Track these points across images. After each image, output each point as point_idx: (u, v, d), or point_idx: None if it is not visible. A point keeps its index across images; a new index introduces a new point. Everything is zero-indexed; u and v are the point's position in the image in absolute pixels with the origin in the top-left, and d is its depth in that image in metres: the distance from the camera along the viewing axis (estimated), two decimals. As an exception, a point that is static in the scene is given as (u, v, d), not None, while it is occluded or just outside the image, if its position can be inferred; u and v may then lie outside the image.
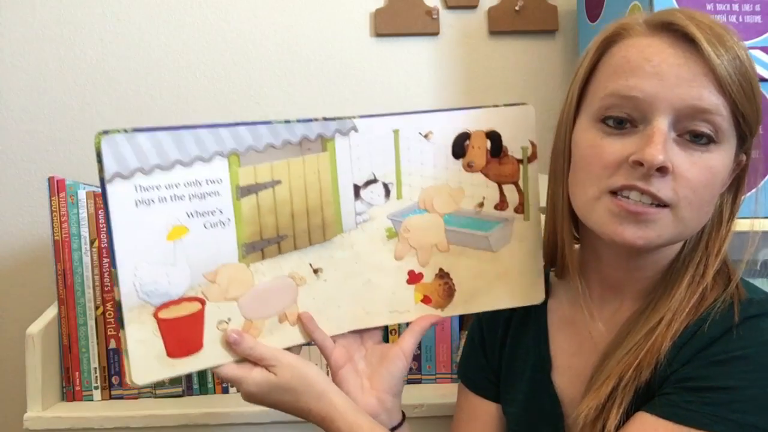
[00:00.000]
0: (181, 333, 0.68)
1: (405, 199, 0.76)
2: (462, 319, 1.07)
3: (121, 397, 1.03)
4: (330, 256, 0.74)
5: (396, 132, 0.75)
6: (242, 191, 0.70)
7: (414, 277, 0.77)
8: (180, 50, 1.34)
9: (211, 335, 0.69)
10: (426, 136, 0.75)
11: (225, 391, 1.04)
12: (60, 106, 1.33)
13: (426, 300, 0.77)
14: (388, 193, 0.76)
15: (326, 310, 0.74)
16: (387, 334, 1.04)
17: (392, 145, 0.75)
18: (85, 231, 1.00)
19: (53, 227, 1.01)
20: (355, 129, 0.74)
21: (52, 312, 1.02)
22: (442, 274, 0.77)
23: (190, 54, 1.34)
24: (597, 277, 0.72)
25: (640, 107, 0.60)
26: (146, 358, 0.66)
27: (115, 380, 1.03)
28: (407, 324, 0.78)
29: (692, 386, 0.58)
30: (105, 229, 1.00)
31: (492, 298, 0.78)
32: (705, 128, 0.59)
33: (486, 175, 0.77)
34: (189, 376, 1.03)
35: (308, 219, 0.73)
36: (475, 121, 0.76)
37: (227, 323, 0.70)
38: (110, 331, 1.02)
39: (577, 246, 0.74)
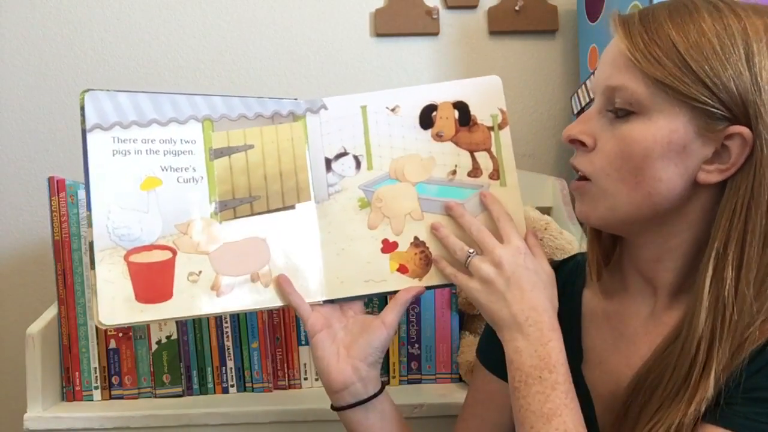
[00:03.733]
0: (150, 278, 0.70)
1: (376, 169, 0.78)
2: (462, 318, 1.07)
3: (121, 397, 1.03)
4: (303, 225, 0.76)
5: (364, 108, 0.78)
6: (215, 153, 0.75)
7: (388, 246, 0.77)
8: (180, 50, 1.34)
9: (181, 285, 0.71)
10: (393, 110, 0.78)
11: (225, 391, 1.04)
12: (60, 106, 1.33)
13: (402, 269, 0.77)
14: (358, 164, 0.78)
15: (299, 277, 0.75)
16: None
17: (361, 120, 0.78)
18: (85, 231, 1.00)
19: (53, 227, 1.01)
20: (324, 107, 0.78)
21: (52, 312, 1.02)
22: (418, 243, 0.77)
23: (190, 54, 1.34)
24: (632, 272, 0.71)
25: (594, 94, 0.67)
26: (115, 299, 0.69)
27: (115, 380, 1.03)
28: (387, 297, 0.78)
29: (761, 397, 0.56)
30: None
31: None
32: (619, 104, 0.62)
33: (457, 144, 0.78)
34: (189, 376, 1.03)
35: (281, 182, 0.77)
36: (441, 94, 0.79)
37: (198, 276, 0.72)
38: (110, 331, 1.02)
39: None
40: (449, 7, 1.35)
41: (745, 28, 0.58)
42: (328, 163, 0.78)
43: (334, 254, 0.77)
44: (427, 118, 0.78)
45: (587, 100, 1.21)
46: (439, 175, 0.78)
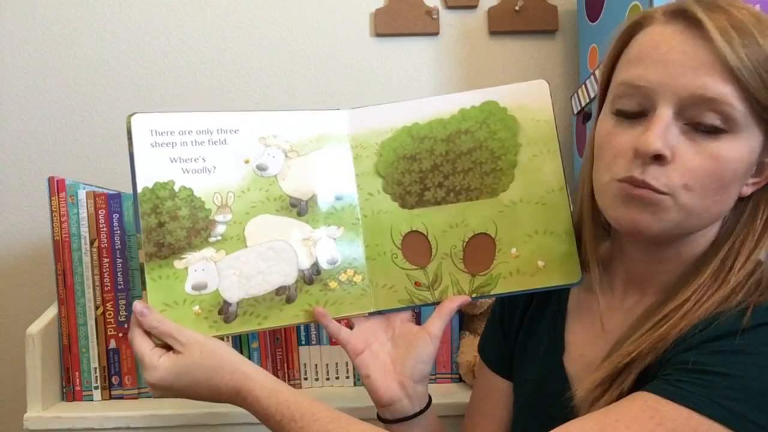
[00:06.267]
0: None
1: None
2: (462, 318, 1.07)
3: (121, 397, 1.03)
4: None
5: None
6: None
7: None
8: (180, 50, 1.34)
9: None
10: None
11: (225, 391, 1.04)
12: (60, 106, 1.33)
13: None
14: None
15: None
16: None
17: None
18: (85, 231, 1.00)
19: (53, 227, 1.01)
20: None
21: (52, 312, 1.02)
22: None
23: (190, 54, 1.34)
24: (622, 270, 0.71)
25: (647, 96, 0.60)
26: None
27: (115, 380, 1.03)
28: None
29: (689, 368, 0.57)
30: (104, 228, 1.00)
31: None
32: (711, 118, 0.58)
33: None
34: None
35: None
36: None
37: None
38: (110, 331, 1.02)
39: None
40: (449, 7, 1.35)
41: None
42: None
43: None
44: None
45: (587, 100, 1.21)
46: None
